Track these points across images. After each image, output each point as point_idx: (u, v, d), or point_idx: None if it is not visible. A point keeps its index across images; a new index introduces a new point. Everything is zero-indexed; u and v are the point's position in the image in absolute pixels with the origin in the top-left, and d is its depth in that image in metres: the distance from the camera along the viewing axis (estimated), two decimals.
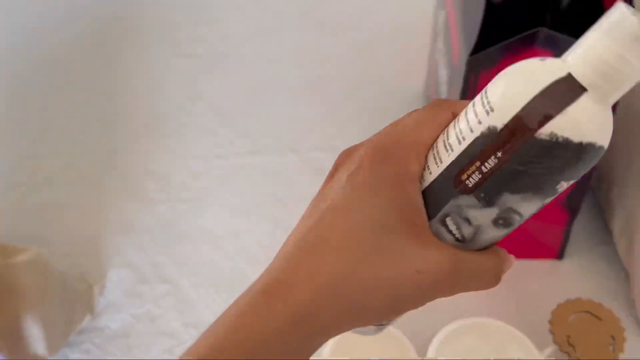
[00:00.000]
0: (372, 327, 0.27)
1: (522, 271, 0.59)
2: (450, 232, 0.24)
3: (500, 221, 0.23)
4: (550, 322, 0.51)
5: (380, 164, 0.23)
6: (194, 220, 0.66)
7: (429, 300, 0.23)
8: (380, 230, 0.22)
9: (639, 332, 0.54)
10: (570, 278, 0.58)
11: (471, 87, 0.46)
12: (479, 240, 0.24)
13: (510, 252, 0.59)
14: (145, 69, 0.89)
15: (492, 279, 0.25)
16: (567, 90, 0.21)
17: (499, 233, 0.24)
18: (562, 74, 0.21)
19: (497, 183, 0.22)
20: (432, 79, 0.66)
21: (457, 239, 0.24)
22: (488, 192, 0.23)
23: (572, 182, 0.23)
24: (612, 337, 0.50)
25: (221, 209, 0.68)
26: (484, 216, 0.23)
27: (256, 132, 0.76)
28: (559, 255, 0.59)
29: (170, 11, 1.00)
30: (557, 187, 0.22)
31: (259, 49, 0.88)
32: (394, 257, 0.22)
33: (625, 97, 0.63)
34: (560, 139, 0.21)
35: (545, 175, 0.22)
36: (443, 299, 0.23)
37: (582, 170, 0.22)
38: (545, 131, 0.21)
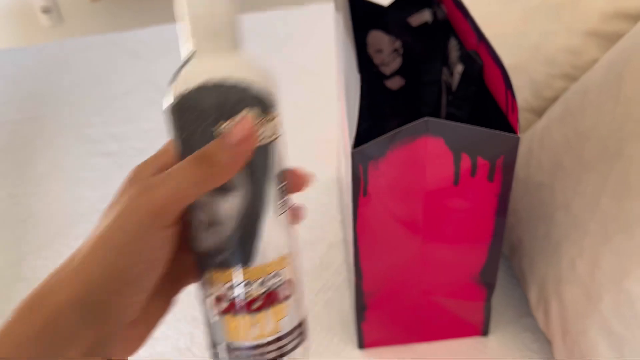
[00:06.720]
0: None
1: (449, 350, 0.58)
2: None
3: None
4: None
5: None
6: None
7: None
8: None
9: None
10: (496, 353, 0.58)
11: (361, 177, 0.44)
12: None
13: (436, 333, 0.58)
14: (59, 170, 0.87)
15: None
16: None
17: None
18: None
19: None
20: (340, 167, 0.67)
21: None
22: None
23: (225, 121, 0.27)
24: None
25: None
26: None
27: None
28: (484, 331, 0.59)
29: (84, 111, 0.99)
30: (213, 129, 0.27)
31: None
32: None
33: (524, 170, 0.65)
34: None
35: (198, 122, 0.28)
36: None
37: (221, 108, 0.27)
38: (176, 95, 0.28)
